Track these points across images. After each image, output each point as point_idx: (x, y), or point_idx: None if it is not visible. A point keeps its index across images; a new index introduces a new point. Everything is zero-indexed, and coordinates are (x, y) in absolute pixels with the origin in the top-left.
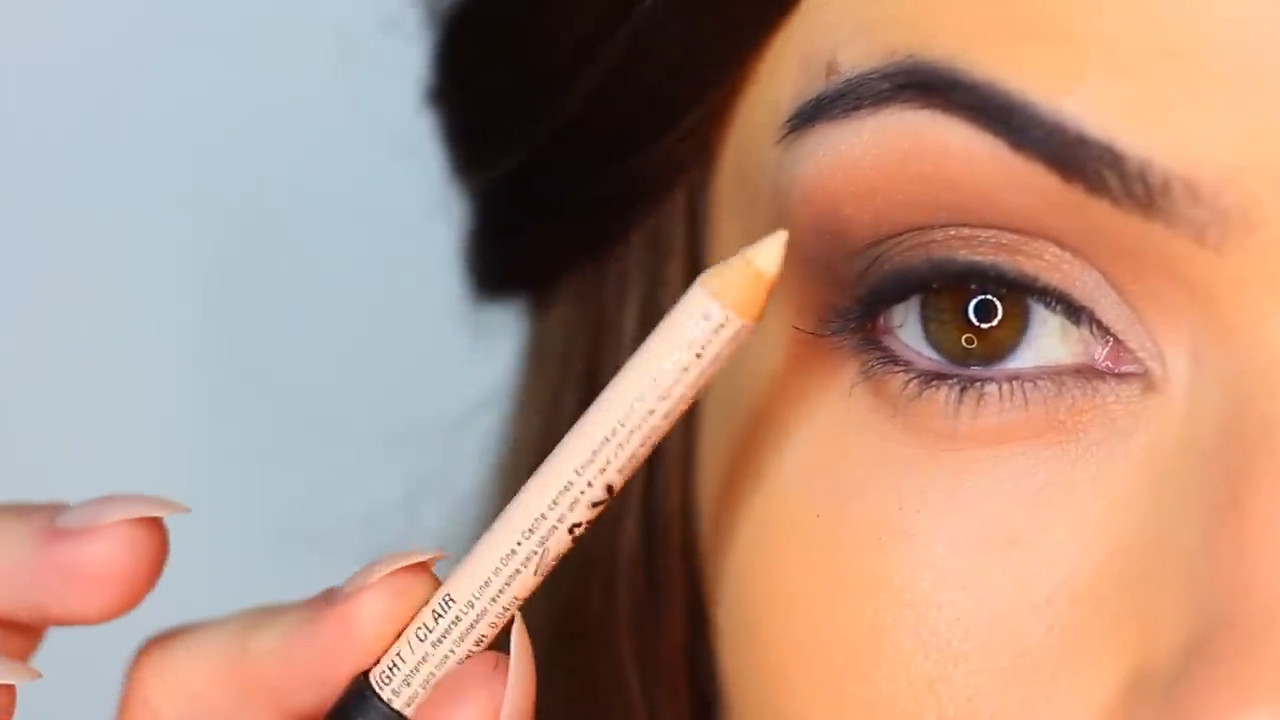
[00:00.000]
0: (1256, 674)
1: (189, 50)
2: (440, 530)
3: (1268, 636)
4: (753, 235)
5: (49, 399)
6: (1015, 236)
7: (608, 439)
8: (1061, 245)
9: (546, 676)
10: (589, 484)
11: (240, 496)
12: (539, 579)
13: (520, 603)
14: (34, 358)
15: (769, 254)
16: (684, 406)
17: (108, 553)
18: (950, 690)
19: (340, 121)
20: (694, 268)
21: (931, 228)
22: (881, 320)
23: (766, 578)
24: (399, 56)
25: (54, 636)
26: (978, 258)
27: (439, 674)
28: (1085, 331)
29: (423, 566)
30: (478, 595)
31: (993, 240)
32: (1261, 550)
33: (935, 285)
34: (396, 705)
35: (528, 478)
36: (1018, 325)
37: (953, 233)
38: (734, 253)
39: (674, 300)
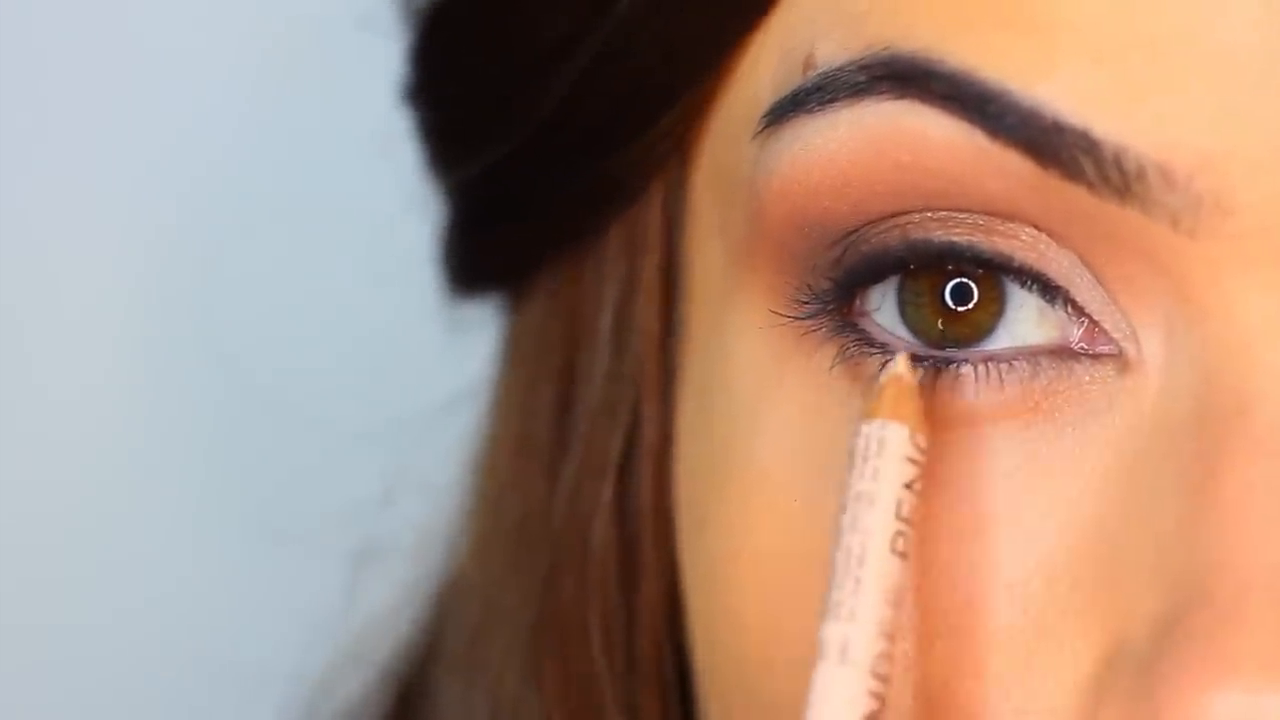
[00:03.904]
0: (1231, 648)
1: (165, 46)
2: (418, 526)
3: (1242, 611)
4: (729, 231)
5: (23, 394)
6: (992, 219)
7: None
8: (1038, 227)
9: (522, 662)
10: None
11: (217, 493)
12: None
13: None
14: (9, 353)
15: None
16: None
17: None
18: (926, 672)
19: (317, 117)
20: (670, 265)
21: (909, 212)
22: (858, 303)
23: (746, 563)
24: (376, 53)
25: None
26: (954, 238)
27: None
28: (1061, 313)
29: None
30: None
31: (969, 221)
32: (1234, 526)
33: (912, 266)
34: None
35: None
36: (994, 309)
37: (929, 214)
38: (710, 249)
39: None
